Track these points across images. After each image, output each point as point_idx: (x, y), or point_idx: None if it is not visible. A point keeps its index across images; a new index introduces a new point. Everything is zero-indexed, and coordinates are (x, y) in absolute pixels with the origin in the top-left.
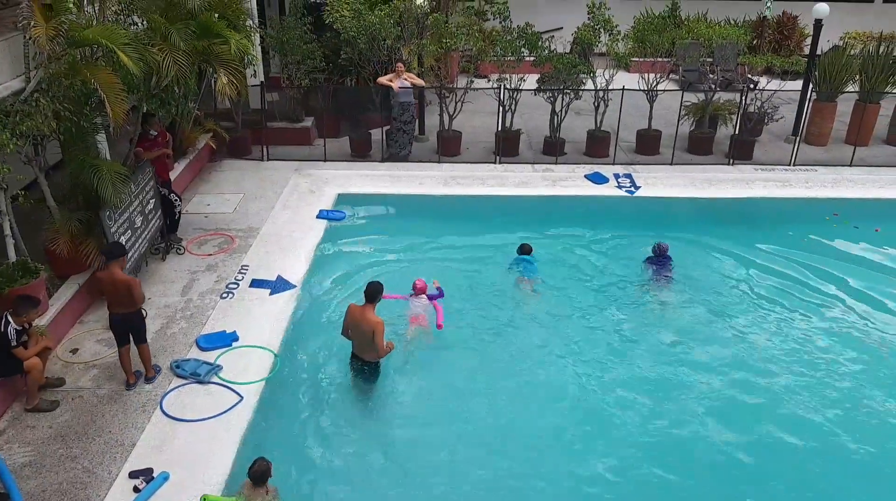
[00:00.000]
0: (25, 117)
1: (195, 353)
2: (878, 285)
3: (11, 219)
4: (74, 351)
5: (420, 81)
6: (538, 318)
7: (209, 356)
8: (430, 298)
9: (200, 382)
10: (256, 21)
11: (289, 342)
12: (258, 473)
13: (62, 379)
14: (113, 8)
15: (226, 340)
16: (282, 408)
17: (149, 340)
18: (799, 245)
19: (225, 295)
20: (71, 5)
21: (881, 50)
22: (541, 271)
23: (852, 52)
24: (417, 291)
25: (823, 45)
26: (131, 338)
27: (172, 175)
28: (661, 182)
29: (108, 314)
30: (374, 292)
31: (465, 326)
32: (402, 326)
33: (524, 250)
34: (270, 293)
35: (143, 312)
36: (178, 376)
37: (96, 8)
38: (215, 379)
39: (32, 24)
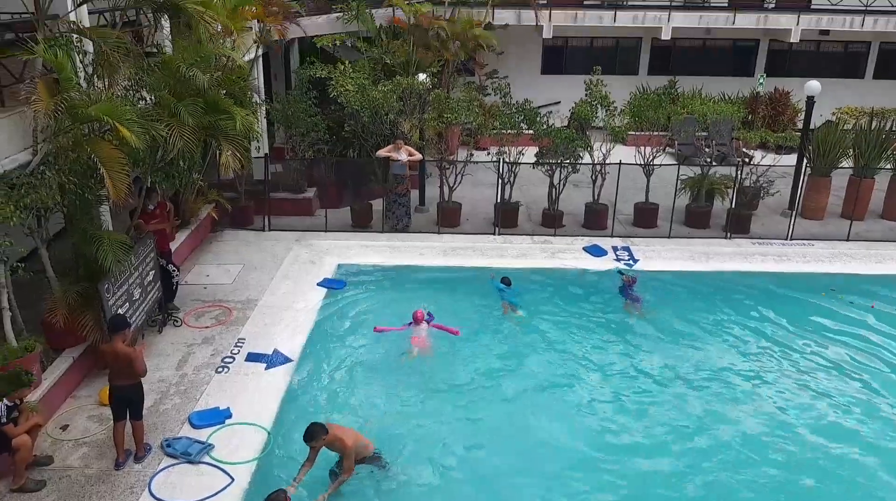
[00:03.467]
0: (31, 190)
1: (187, 430)
2: (869, 361)
3: (10, 291)
4: (65, 428)
5: (418, 156)
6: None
7: (201, 434)
8: (428, 322)
9: (191, 462)
10: (263, 96)
11: (282, 419)
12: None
13: (51, 457)
14: (123, 83)
15: (219, 417)
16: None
17: (143, 416)
18: (796, 319)
19: (220, 369)
20: (81, 82)
21: (873, 125)
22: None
23: (845, 127)
24: (417, 320)
25: (816, 120)
26: (128, 413)
27: (174, 245)
28: (660, 255)
29: (99, 389)
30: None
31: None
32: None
33: (504, 281)
34: (266, 368)
35: None
36: (169, 455)
37: (106, 83)
38: (207, 459)
39: (34, 98)
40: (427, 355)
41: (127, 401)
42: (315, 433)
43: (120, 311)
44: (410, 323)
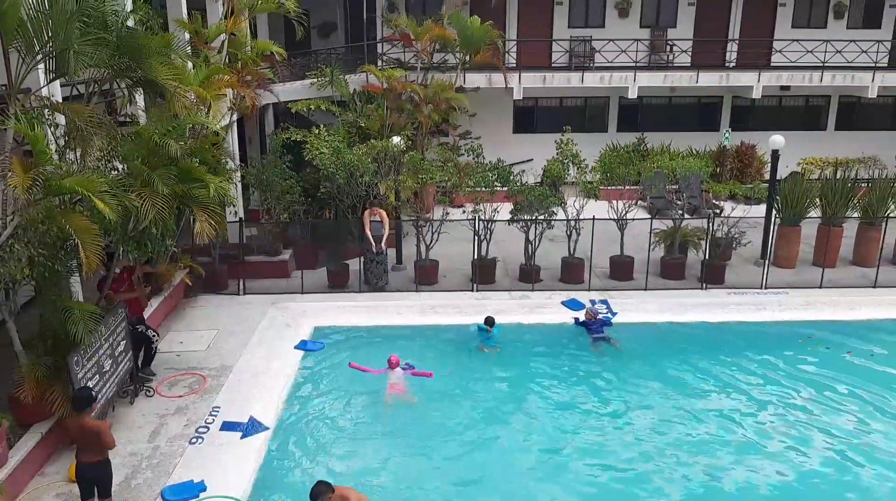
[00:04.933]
0: None
1: None
2: (850, 406)
3: None
4: None
5: (386, 221)
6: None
7: None
8: (404, 369)
9: None
10: (237, 162)
11: (259, 491)
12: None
13: None
14: (95, 155)
15: (193, 490)
16: None
17: (111, 493)
18: (776, 368)
19: (194, 440)
20: (52, 155)
21: (839, 175)
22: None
23: (810, 177)
24: (392, 365)
25: (782, 171)
26: (96, 491)
27: (147, 312)
28: (638, 307)
29: (68, 465)
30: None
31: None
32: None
33: (488, 321)
34: (242, 437)
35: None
36: None
37: (78, 155)
38: None
39: (9, 174)
40: (404, 399)
41: (94, 480)
42: (320, 493)
43: (90, 383)
44: (386, 369)
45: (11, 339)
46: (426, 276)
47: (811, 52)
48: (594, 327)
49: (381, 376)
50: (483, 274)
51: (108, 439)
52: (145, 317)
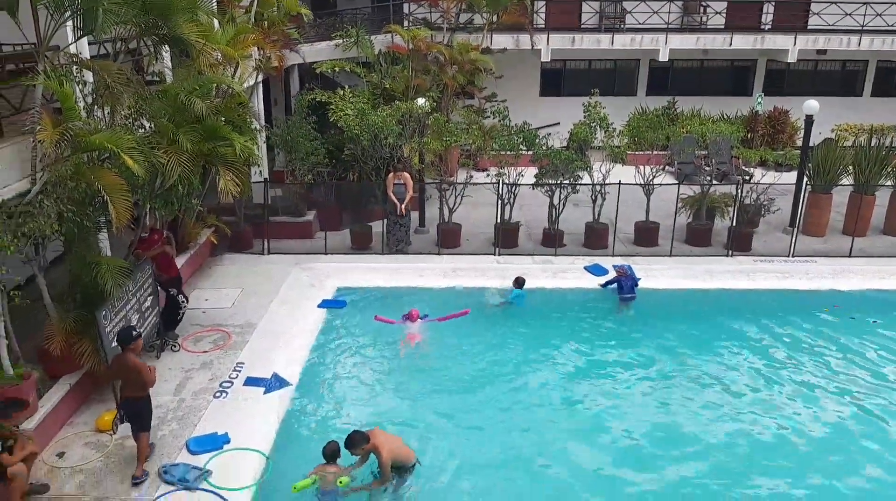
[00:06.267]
0: (29, 219)
1: (185, 456)
2: (871, 377)
3: (6, 319)
4: (61, 455)
5: (410, 185)
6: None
7: (199, 460)
8: (423, 319)
9: (189, 488)
10: (262, 122)
11: (281, 445)
12: (329, 452)
13: (46, 485)
14: (123, 113)
15: (217, 442)
16: None
17: (150, 428)
18: (800, 336)
19: (218, 394)
20: (81, 111)
21: (873, 142)
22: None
23: (844, 144)
24: (412, 318)
25: (815, 138)
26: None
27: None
28: (662, 274)
29: (96, 416)
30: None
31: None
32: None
33: (518, 282)
34: (265, 392)
35: None
36: (166, 482)
37: (106, 112)
38: (204, 485)
39: (39, 128)
40: (421, 349)
41: (135, 413)
42: (356, 442)
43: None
44: (406, 320)
45: (41, 293)
46: (449, 239)
47: (850, 14)
48: (625, 284)
49: (400, 329)
50: (506, 238)
51: (149, 377)
52: (181, 278)
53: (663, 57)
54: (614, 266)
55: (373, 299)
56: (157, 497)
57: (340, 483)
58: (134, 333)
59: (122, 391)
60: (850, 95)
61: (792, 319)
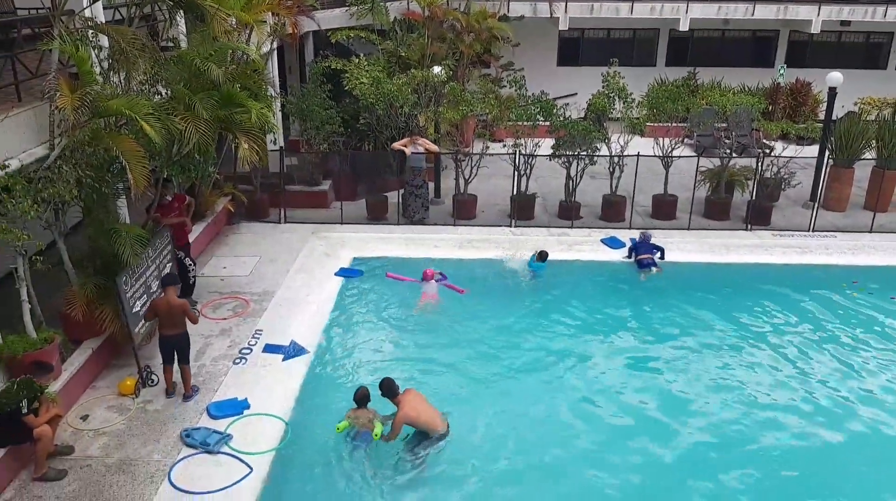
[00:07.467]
0: (48, 184)
1: (206, 421)
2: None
3: (29, 283)
4: (85, 418)
5: (434, 147)
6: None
7: (220, 425)
8: (438, 281)
9: (210, 452)
10: (277, 90)
11: (300, 410)
12: (361, 397)
13: (71, 447)
14: (139, 78)
15: (237, 407)
16: (291, 481)
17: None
18: (817, 312)
19: (238, 361)
20: (97, 77)
21: None
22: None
23: (867, 117)
24: (427, 277)
25: (837, 111)
26: (176, 358)
27: (191, 237)
28: (679, 247)
29: (118, 380)
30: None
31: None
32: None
33: (542, 256)
34: (283, 359)
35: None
36: (188, 445)
37: (122, 78)
38: (225, 449)
39: (58, 94)
40: (434, 309)
41: (176, 347)
42: (385, 389)
43: (137, 304)
44: (421, 280)
45: (62, 258)
46: (464, 210)
47: None
48: (644, 249)
49: (415, 291)
50: (521, 210)
51: (193, 315)
52: (190, 244)
53: (684, 27)
54: (641, 233)
55: (388, 269)
56: (179, 460)
57: (375, 435)
58: (177, 277)
59: (162, 330)
60: (874, 67)
61: (813, 293)
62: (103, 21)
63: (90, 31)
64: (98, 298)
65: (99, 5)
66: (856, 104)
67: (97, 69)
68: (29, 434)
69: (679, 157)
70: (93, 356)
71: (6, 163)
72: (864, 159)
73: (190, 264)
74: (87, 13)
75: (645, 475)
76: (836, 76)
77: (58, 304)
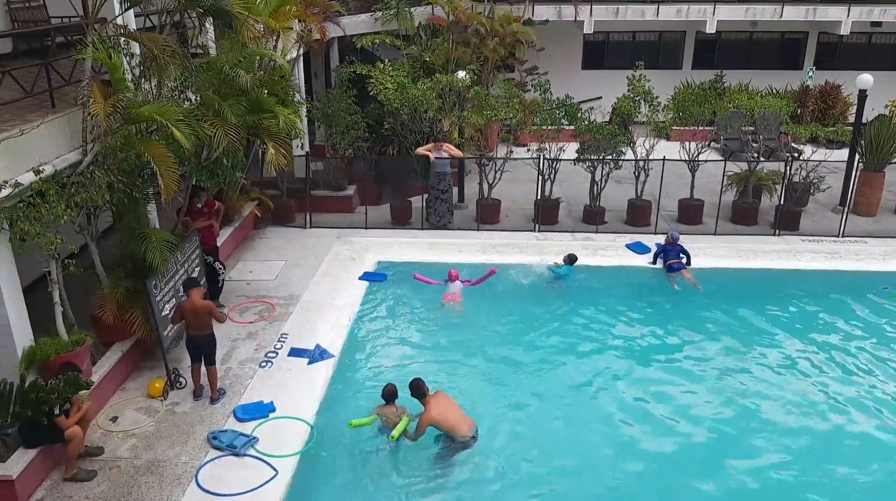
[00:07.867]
0: (81, 189)
1: (232, 423)
2: None
3: (61, 287)
4: (114, 419)
5: (458, 153)
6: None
7: (246, 427)
8: (463, 283)
9: (236, 454)
10: (303, 95)
11: (325, 414)
12: (388, 393)
13: (101, 448)
14: (169, 85)
15: (263, 411)
16: (316, 485)
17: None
18: (848, 319)
19: (264, 364)
20: (129, 84)
21: None
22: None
23: None
24: (452, 278)
25: (868, 114)
26: (203, 358)
27: (218, 241)
28: (705, 252)
29: (147, 382)
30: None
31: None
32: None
33: (571, 259)
34: (308, 363)
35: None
36: (215, 447)
37: (153, 85)
38: (251, 452)
39: (92, 101)
40: (458, 312)
41: (203, 347)
42: (414, 389)
43: (167, 307)
44: (446, 281)
45: (94, 262)
46: (488, 215)
47: None
48: (672, 252)
49: (441, 294)
50: (546, 215)
51: (219, 314)
52: (218, 247)
53: (710, 29)
54: (669, 234)
55: (412, 273)
56: (206, 462)
57: (392, 437)
58: (198, 280)
59: (189, 332)
60: None
61: (842, 300)
62: (135, 29)
63: (122, 39)
64: (128, 301)
65: (131, 13)
66: (886, 107)
67: (129, 76)
68: (60, 435)
69: (706, 161)
70: (123, 359)
71: (41, 168)
72: (894, 163)
73: (220, 268)
74: (120, 21)
75: (672, 482)
76: (866, 78)
77: (89, 307)
